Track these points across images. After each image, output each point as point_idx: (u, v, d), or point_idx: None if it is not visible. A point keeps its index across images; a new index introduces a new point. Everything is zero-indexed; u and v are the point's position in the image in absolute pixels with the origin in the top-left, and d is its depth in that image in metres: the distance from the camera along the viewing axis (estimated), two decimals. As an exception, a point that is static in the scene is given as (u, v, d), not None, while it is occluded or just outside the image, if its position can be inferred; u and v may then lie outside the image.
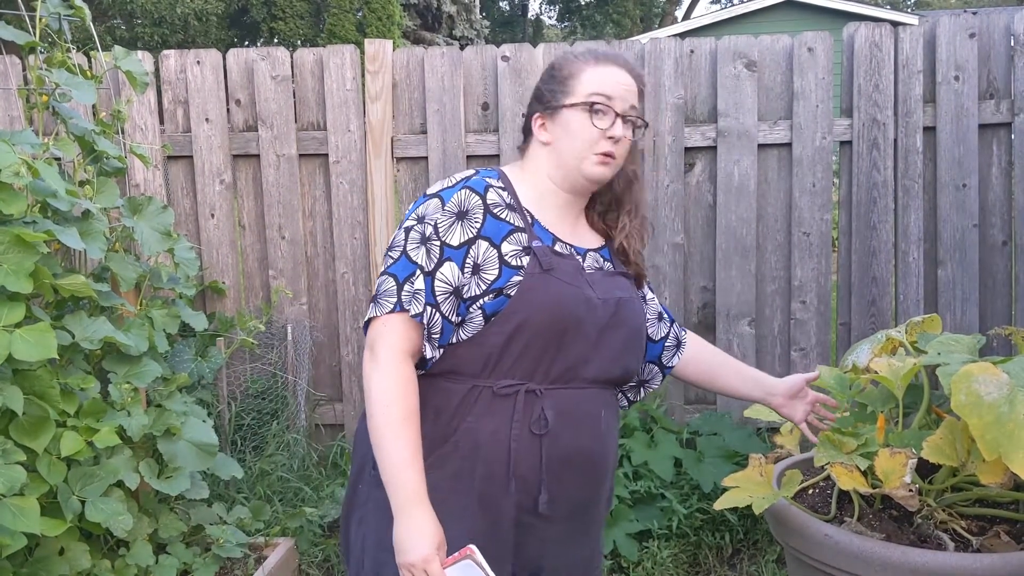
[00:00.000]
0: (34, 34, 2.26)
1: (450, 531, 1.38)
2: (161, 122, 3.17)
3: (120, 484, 2.18)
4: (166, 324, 2.52)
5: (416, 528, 1.32)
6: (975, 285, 3.01)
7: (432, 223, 1.42)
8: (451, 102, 3.10)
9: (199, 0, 18.61)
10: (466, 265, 1.41)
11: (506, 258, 1.42)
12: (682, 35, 6.94)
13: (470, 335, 1.42)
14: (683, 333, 1.75)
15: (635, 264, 1.59)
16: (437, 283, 1.40)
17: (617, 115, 1.46)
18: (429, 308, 1.39)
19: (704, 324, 3.16)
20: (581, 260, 1.51)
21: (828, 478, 1.91)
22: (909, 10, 25.69)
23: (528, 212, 1.49)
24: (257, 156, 3.17)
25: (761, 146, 3.07)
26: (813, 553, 1.75)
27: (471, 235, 1.42)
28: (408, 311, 1.38)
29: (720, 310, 3.12)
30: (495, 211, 1.44)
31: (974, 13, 3.11)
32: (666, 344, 1.71)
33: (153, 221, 2.49)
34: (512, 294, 1.40)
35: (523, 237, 1.44)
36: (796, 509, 1.82)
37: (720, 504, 1.87)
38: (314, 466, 3.08)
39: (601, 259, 1.55)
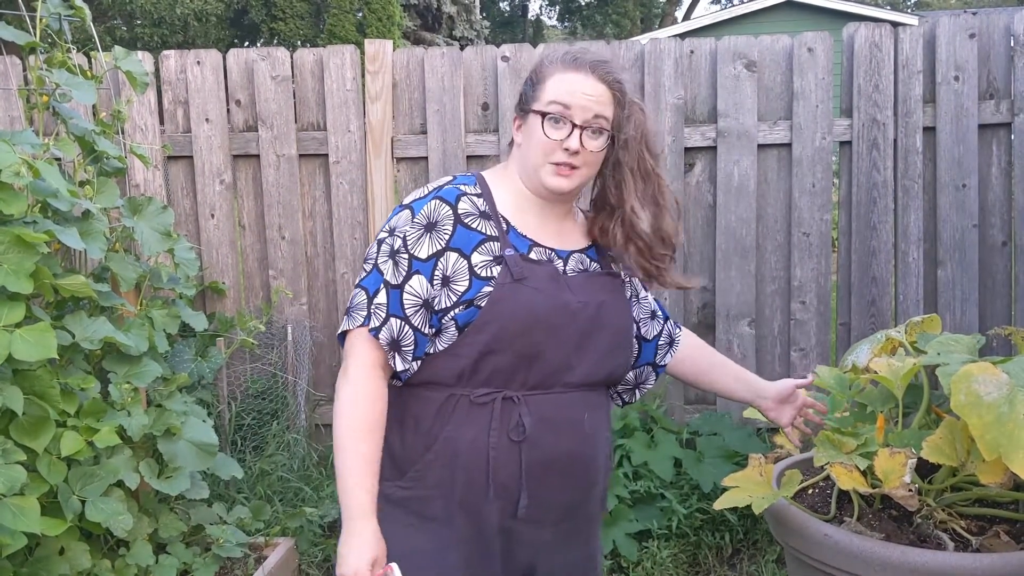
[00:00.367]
0: (34, 34, 2.26)
1: (435, 540, 1.41)
2: (161, 122, 3.17)
3: (120, 484, 2.18)
4: (166, 324, 2.52)
5: (355, 543, 1.34)
6: (975, 285, 3.01)
7: (401, 236, 1.42)
8: (451, 102, 3.10)
9: (199, 1, 18.61)
10: (435, 277, 1.40)
11: (476, 269, 1.40)
12: (682, 35, 6.93)
13: (445, 346, 1.42)
14: (677, 330, 1.73)
15: (648, 276, 1.52)
16: (406, 296, 1.40)
17: (575, 126, 1.41)
18: (397, 321, 1.39)
19: (704, 324, 3.16)
20: (563, 263, 1.48)
21: (828, 478, 1.91)
22: (909, 10, 25.69)
23: (504, 219, 1.46)
24: (257, 156, 3.17)
25: (761, 146, 3.07)
26: (813, 553, 1.75)
27: (440, 247, 1.41)
28: (371, 325, 1.40)
29: (720, 310, 3.12)
30: (466, 221, 1.43)
31: (974, 13, 3.11)
32: (659, 343, 1.69)
33: (153, 221, 2.49)
34: (483, 305, 1.39)
35: (495, 246, 1.43)
36: (796, 509, 1.82)
37: (720, 504, 1.87)
38: (314, 466, 3.08)
39: (587, 259, 1.52)
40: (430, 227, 1.42)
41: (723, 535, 2.83)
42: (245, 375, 3.18)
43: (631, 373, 1.67)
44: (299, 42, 19.35)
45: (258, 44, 21.30)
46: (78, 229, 2.13)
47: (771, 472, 1.91)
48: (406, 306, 1.40)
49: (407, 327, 1.40)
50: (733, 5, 16.42)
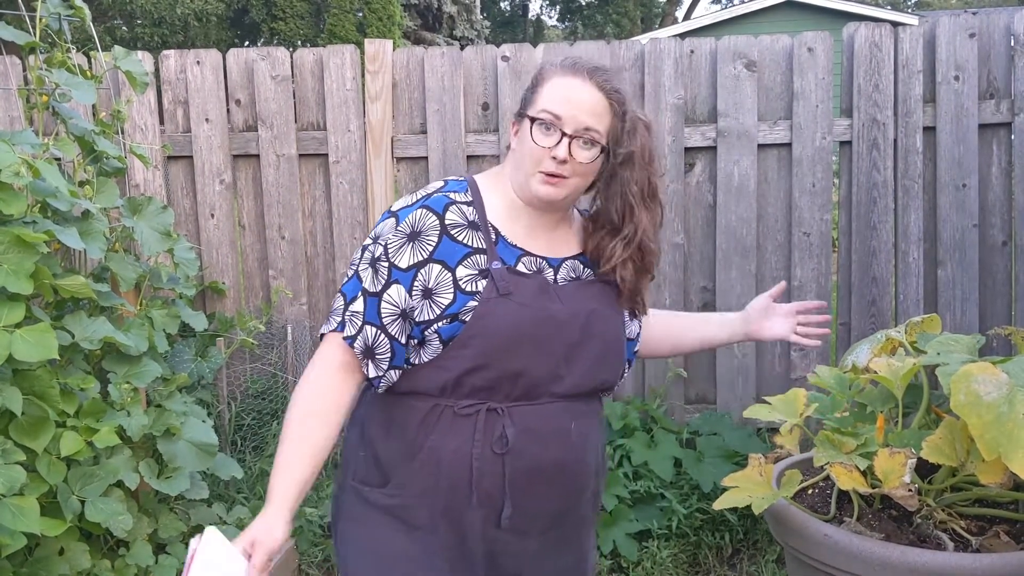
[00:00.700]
0: (34, 34, 2.26)
1: (421, 546, 1.41)
2: (161, 122, 3.17)
3: (120, 484, 2.19)
4: (166, 324, 2.52)
5: (260, 525, 1.38)
6: (975, 285, 3.01)
7: (384, 244, 1.40)
8: (451, 102, 3.10)
9: (199, 1, 18.62)
10: (415, 288, 1.38)
11: (460, 283, 1.38)
12: (682, 35, 6.94)
13: (430, 358, 1.40)
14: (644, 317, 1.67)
15: (627, 296, 1.49)
16: (384, 305, 1.39)
17: (565, 135, 1.38)
18: (373, 329, 1.38)
19: (704, 324, 3.15)
20: (554, 272, 1.45)
21: (827, 478, 1.91)
22: (909, 10, 25.69)
23: (494, 228, 1.44)
24: (257, 156, 3.17)
25: (761, 146, 3.07)
26: (812, 553, 1.75)
27: (422, 258, 1.39)
28: (345, 333, 1.41)
29: (720, 310, 3.11)
30: (452, 232, 1.40)
31: (974, 13, 3.11)
32: (636, 340, 1.64)
33: (153, 221, 2.49)
34: (467, 320, 1.37)
35: (481, 259, 1.40)
36: (795, 509, 1.82)
37: (720, 504, 1.87)
38: (314, 466, 3.08)
39: (580, 266, 1.50)
40: (413, 236, 1.39)
41: (723, 535, 2.84)
42: (245, 375, 3.19)
43: None
44: (299, 42, 19.36)
45: (258, 44, 21.31)
46: (78, 229, 2.13)
47: (771, 472, 1.91)
48: (383, 315, 1.39)
49: (383, 335, 1.39)
50: (733, 5, 16.42)
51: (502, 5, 32.66)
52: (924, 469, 1.80)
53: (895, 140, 3.01)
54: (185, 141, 3.16)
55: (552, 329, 1.41)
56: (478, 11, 23.38)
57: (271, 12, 20.04)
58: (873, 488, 1.70)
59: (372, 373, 1.41)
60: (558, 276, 1.46)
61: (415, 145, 3.15)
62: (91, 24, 2.46)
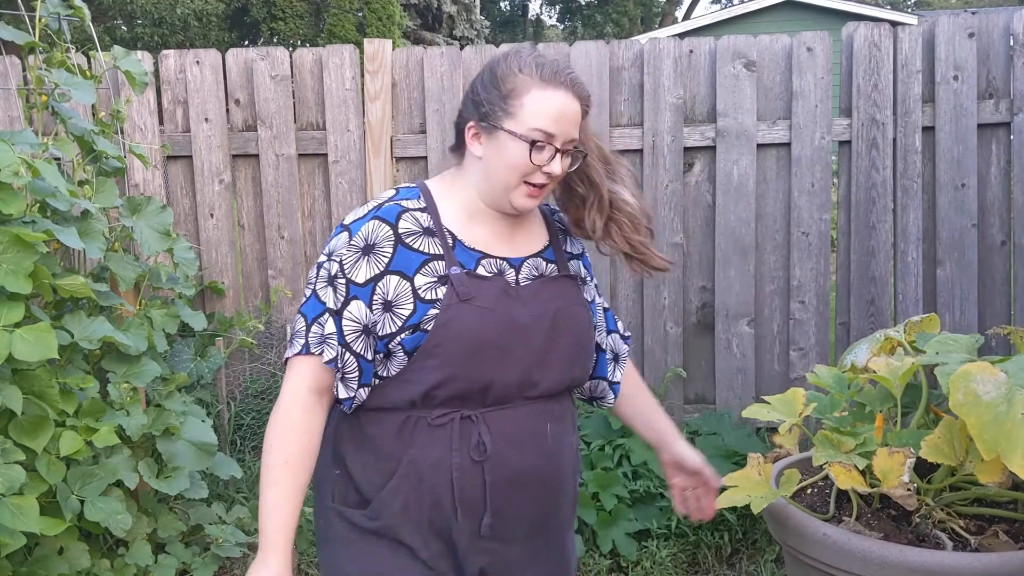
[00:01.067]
0: (34, 34, 2.27)
1: (408, 565, 1.39)
2: (160, 122, 3.17)
3: (119, 484, 2.19)
4: (165, 324, 2.52)
5: (263, 574, 1.32)
6: (974, 285, 3.02)
7: (338, 260, 1.37)
8: (450, 102, 3.10)
9: (199, 0, 18.62)
10: (374, 302, 1.35)
11: (420, 292, 1.35)
12: (682, 35, 6.95)
13: (396, 371, 1.38)
14: (624, 346, 1.65)
15: (638, 261, 1.47)
16: (345, 323, 1.35)
17: (557, 150, 1.36)
18: (339, 348, 1.36)
19: (703, 324, 3.16)
20: (515, 272, 1.43)
21: (826, 477, 1.91)
22: (909, 10, 25.69)
23: (450, 233, 1.40)
24: (256, 156, 3.17)
25: (760, 146, 3.07)
26: (811, 552, 1.75)
27: (379, 271, 1.35)
28: (316, 354, 1.36)
29: (719, 310, 3.12)
30: (407, 240, 1.37)
31: (973, 13, 3.11)
32: (607, 357, 1.63)
33: (152, 221, 2.49)
34: (429, 328, 1.34)
35: (439, 265, 1.37)
36: (794, 508, 1.82)
37: (719, 503, 1.87)
38: (313, 466, 3.08)
39: (543, 263, 1.47)
40: (368, 250, 1.36)
41: (722, 535, 2.84)
42: (244, 375, 3.19)
43: (587, 384, 1.61)
44: (299, 42, 19.36)
45: (258, 44, 21.30)
46: (77, 229, 2.13)
47: (770, 471, 1.91)
48: (345, 332, 1.35)
49: (348, 354, 1.36)
50: (733, 5, 16.42)
51: (502, 5, 32.66)
52: (923, 468, 1.80)
53: (894, 140, 3.01)
54: (184, 141, 3.16)
55: (518, 333, 1.38)
56: (478, 11, 23.37)
57: (271, 12, 20.03)
58: (872, 487, 1.70)
59: (343, 394, 1.37)
60: (520, 276, 1.43)
61: (414, 145, 3.15)
62: (90, 24, 2.46)
